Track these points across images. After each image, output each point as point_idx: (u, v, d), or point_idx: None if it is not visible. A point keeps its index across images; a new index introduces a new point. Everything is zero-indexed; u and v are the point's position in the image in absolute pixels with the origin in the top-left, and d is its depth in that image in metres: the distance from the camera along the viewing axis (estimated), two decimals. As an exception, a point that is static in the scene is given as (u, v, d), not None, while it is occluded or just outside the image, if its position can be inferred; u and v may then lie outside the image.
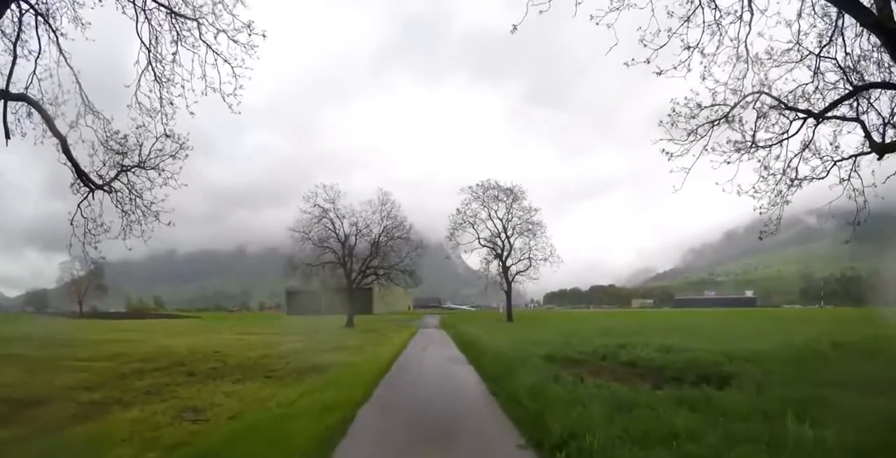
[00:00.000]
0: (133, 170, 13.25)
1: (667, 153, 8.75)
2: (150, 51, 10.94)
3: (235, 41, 10.84)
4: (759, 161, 10.93)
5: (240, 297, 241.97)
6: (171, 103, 10.62)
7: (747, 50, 9.82)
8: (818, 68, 10.64)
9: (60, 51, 11.05)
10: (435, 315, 62.95)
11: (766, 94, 9.18)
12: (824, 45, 10.31)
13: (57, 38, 10.93)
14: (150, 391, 9.72)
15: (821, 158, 11.37)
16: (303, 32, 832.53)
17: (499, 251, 40.37)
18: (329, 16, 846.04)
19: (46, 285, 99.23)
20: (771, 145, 10.87)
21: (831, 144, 11.39)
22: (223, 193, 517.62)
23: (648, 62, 8.03)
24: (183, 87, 10.87)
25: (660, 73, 8.45)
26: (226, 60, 11.05)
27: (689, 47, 8.64)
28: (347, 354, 14.96)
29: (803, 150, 11.07)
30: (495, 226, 40.52)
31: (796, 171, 11.18)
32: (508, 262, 40.24)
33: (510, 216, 40.31)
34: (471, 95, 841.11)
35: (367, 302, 62.83)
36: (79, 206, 12.82)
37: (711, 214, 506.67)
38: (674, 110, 9.14)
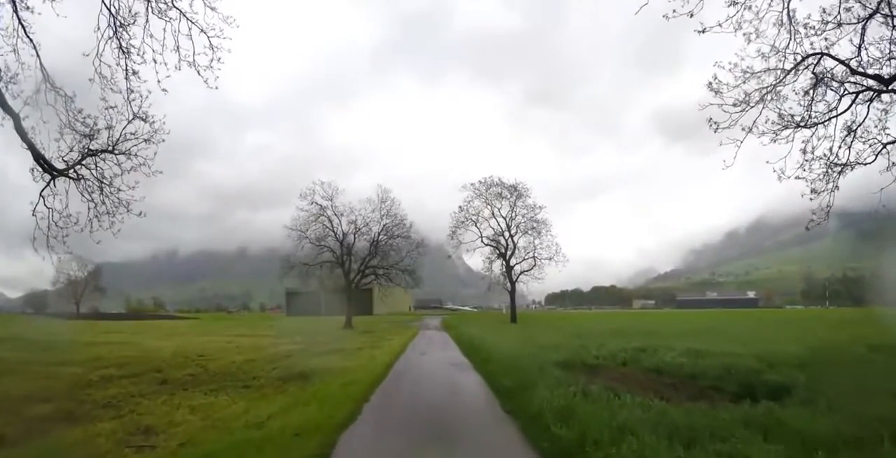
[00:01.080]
0: (100, 155, 12.02)
1: (713, 123, 7.46)
2: (113, 15, 9.67)
3: (213, 8, 9.63)
4: (803, 142, 9.67)
5: (241, 297, 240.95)
6: (135, 73, 9.38)
7: (790, 16, 8.59)
8: (863, 41, 9.40)
9: (20, 20, 9.83)
10: (436, 316, 61.59)
11: (828, 55, 7.86)
12: (872, 15, 9.06)
13: (15, 6, 9.72)
14: (108, 404, 8.46)
15: (865, 142, 10.11)
16: (303, 32, 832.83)
17: (502, 250, 38.94)
18: (329, 15, 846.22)
19: (46, 285, 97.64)
20: (817, 124, 9.58)
21: (877, 126, 10.15)
22: (224, 192, 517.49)
23: (692, 16, 6.77)
24: (155, 61, 9.65)
25: (703, 31, 7.20)
26: (202, 30, 9.81)
27: (735, 2, 7.38)
28: (341, 358, 13.66)
29: (856, 128, 9.77)
30: (498, 224, 39.05)
31: (847, 154, 9.90)
32: (512, 261, 38.79)
33: (514, 214, 38.79)
34: (471, 95, 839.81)
35: (367, 303, 61.54)
36: (41, 194, 11.57)
37: (712, 214, 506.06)
38: (716, 78, 7.87)
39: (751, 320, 38.50)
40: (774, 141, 8.87)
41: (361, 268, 36.05)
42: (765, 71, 7.72)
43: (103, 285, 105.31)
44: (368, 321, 41.56)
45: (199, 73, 9.96)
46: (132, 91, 11.61)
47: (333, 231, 35.26)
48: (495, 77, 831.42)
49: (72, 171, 11.77)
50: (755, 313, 76.30)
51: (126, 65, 9.88)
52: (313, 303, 62.73)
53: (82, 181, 11.98)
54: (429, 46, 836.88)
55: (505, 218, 38.77)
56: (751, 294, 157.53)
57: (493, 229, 39.17)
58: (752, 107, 7.73)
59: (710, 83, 7.98)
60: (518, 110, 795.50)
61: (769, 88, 7.82)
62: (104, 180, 12.05)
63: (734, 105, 7.69)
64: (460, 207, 39.09)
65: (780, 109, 9.39)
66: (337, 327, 33.45)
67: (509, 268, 38.54)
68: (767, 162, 8.16)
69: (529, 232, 38.63)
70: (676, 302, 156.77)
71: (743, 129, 9.27)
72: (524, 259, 38.69)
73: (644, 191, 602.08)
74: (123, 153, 12.13)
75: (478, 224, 39.10)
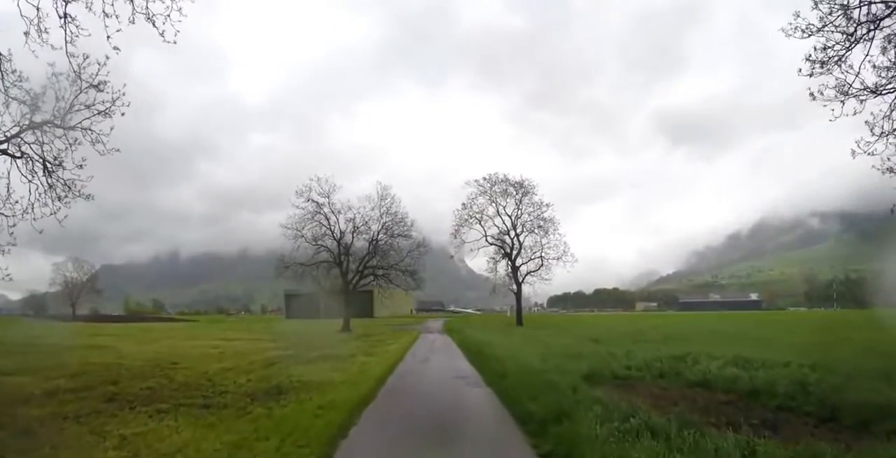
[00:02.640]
0: (44, 127, 10.29)
1: (814, 53, 5.71)
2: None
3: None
4: (872, 114, 7.92)
5: (242, 300, 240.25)
6: (70, 18, 7.69)
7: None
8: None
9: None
10: (438, 319, 59.74)
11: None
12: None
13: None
14: (29, 430, 6.71)
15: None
16: (306, 34, 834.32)
17: (507, 250, 37.20)
18: (331, 17, 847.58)
19: (47, 287, 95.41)
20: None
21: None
22: (226, 194, 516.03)
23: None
24: (105, 13, 7.95)
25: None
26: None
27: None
28: (329, 367, 11.89)
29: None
30: (504, 223, 37.41)
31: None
32: (518, 261, 37.07)
33: (520, 213, 37.10)
34: (474, 97, 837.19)
35: (367, 305, 59.87)
36: (-30, 173, 9.88)
37: (714, 216, 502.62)
38: (798, 15, 6.13)
39: (767, 322, 36.56)
40: (862, 101, 7.15)
41: (360, 268, 34.29)
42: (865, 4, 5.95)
43: (101, 286, 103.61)
44: (367, 324, 39.80)
45: (154, 25, 8.25)
46: (86, 56, 9.97)
47: (331, 229, 33.56)
48: (497, 79, 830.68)
49: (10, 146, 10.07)
50: (764, 315, 74.17)
51: (65, 11, 8.19)
52: (312, 305, 61.07)
53: (25, 160, 10.29)
54: (431, 48, 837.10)
55: (510, 216, 37.12)
56: (753, 296, 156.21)
57: (497, 227, 37.53)
58: (852, 45, 5.96)
59: (790, 24, 6.22)
60: (520, 112, 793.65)
61: (874, 22, 6.06)
62: (52, 160, 10.35)
63: (826, 49, 5.94)
64: (463, 204, 37.46)
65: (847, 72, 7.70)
66: (333, 330, 31.71)
67: (515, 268, 36.80)
68: (867, 122, 6.35)
69: (536, 231, 36.96)
70: (679, 304, 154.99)
71: (811, 93, 7.60)
72: (531, 259, 36.99)
73: (646, 193, 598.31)
74: (73, 127, 10.45)
75: (482, 222, 37.43)
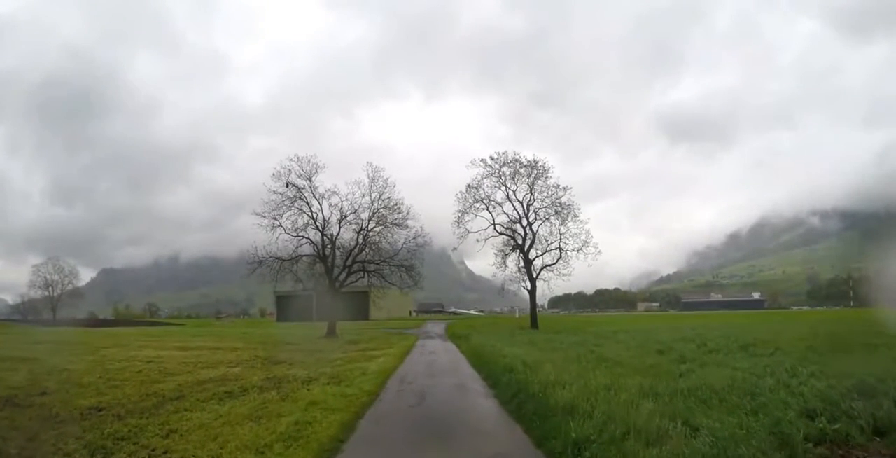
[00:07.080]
0: None
1: None
2: None
3: None
4: None
5: (243, 303, 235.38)
6: None
7: None
8: None
9: None
10: (439, 321, 54.32)
11: None
12: None
13: None
14: None
15: None
16: (305, 37, 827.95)
17: (519, 241, 32.13)
18: (329, 19, 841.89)
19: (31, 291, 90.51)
20: None
21: None
22: (226, 197, 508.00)
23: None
24: None
25: None
26: None
27: None
28: (253, 410, 7.00)
29: None
30: (514, 209, 32.22)
31: None
32: (532, 254, 31.79)
33: (532, 198, 31.79)
34: (474, 98, 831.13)
35: (362, 307, 54.86)
36: None
37: (714, 215, 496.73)
38: None
39: (816, 323, 31.26)
40: None
41: (347, 263, 29.12)
42: None
43: (84, 289, 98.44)
44: (359, 328, 34.84)
45: None
46: None
47: (313, 218, 28.33)
48: (497, 79, 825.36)
49: None
50: (786, 314, 69.40)
51: None
52: (303, 307, 55.99)
53: None
54: (431, 49, 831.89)
55: (522, 202, 31.89)
56: (756, 295, 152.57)
57: (507, 214, 32.27)
58: None
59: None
60: (520, 113, 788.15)
61: None
62: None
63: None
64: (468, 185, 32.01)
65: None
66: (316, 335, 26.85)
67: (528, 262, 31.64)
68: None
69: (552, 219, 31.76)
70: (682, 305, 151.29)
71: None
72: (546, 251, 31.77)
73: (646, 193, 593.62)
74: None
75: (490, 208, 32.27)
